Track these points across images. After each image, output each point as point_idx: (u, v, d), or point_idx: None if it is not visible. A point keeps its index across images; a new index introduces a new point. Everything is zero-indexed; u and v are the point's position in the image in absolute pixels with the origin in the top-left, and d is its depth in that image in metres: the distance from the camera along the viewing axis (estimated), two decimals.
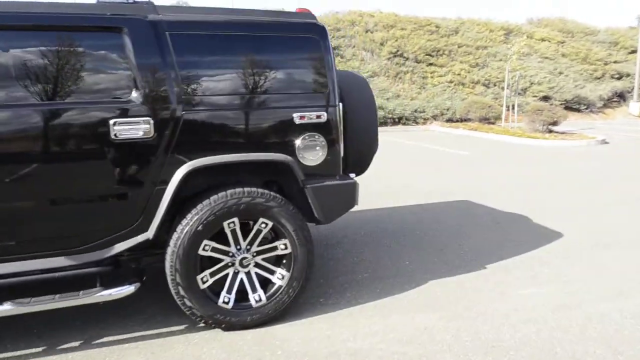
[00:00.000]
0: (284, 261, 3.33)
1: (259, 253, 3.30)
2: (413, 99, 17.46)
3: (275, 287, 3.32)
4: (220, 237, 3.17)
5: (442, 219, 5.81)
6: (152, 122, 2.93)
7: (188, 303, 3.10)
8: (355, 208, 3.65)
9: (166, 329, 3.25)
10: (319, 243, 4.95)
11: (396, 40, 19.34)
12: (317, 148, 3.30)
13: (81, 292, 2.91)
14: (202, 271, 3.14)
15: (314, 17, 3.31)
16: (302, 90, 3.28)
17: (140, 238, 3.03)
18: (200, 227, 3.03)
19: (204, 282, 3.14)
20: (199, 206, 3.05)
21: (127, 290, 3.01)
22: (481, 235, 5.20)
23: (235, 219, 3.14)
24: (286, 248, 3.29)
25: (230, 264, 3.24)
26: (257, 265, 3.31)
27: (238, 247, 3.24)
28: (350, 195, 3.46)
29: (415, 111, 16.84)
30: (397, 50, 19.13)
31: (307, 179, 3.30)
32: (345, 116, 3.86)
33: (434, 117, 16.97)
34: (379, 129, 4.21)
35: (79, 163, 2.87)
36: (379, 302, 3.65)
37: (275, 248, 3.30)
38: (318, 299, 3.70)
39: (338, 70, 4.35)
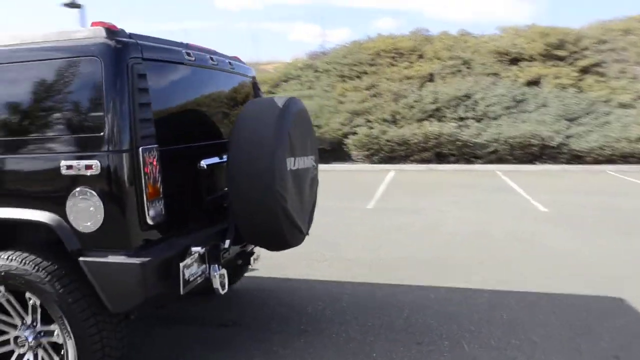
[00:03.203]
0: (62, 352, 2.53)
1: (46, 334, 2.60)
2: None
3: None
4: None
5: (551, 324, 3.66)
6: None
7: None
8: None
9: None
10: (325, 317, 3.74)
11: None
12: (91, 209, 2.39)
13: None
14: None
15: (108, 33, 2.40)
16: (74, 131, 2.44)
17: None
18: None
19: None
20: None
21: None
22: None
23: (2, 288, 2.54)
24: (58, 336, 2.50)
25: (15, 339, 2.64)
26: (45, 348, 2.62)
27: (24, 321, 2.62)
28: (131, 280, 2.37)
29: None
30: None
31: (84, 249, 2.43)
32: (228, 165, 2.79)
33: None
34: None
35: None
36: None
37: (52, 332, 2.54)
38: None
39: (258, 99, 3.23)
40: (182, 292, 2.51)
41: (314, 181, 3.37)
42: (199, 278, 2.68)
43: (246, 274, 4.91)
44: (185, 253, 2.56)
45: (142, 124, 2.42)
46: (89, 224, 2.40)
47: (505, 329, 3.60)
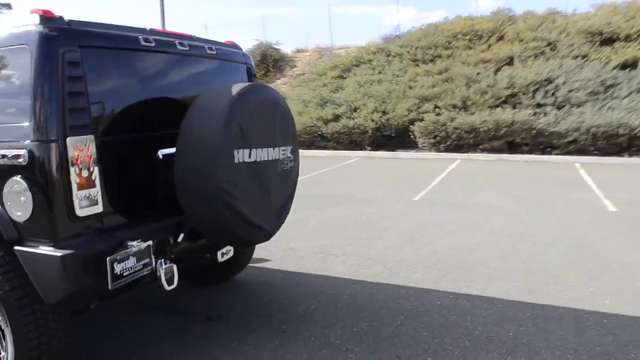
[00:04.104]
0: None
1: None
2: None
3: None
4: None
5: (563, 347, 3.21)
6: None
7: None
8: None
9: None
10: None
11: None
12: (22, 199, 2.38)
13: None
14: None
15: (42, 20, 2.35)
16: (9, 120, 2.44)
17: None
18: None
19: None
20: None
21: None
22: None
23: None
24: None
25: None
26: None
27: None
28: (54, 273, 2.33)
29: None
30: None
31: (20, 238, 2.43)
32: (175, 157, 2.68)
33: None
34: None
35: None
36: None
37: None
38: None
39: (213, 89, 2.99)
40: (110, 287, 2.43)
41: (288, 174, 3.14)
42: (140, 272, 2.59)
43: (256, 265, 4.83)
44: (118, 246, 2.48)
45: (73, 113, 2.36)
46: (19, 213, 2.40)
47: (505, 348, 3.16)
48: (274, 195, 2.99)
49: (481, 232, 5.85)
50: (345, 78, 17.28)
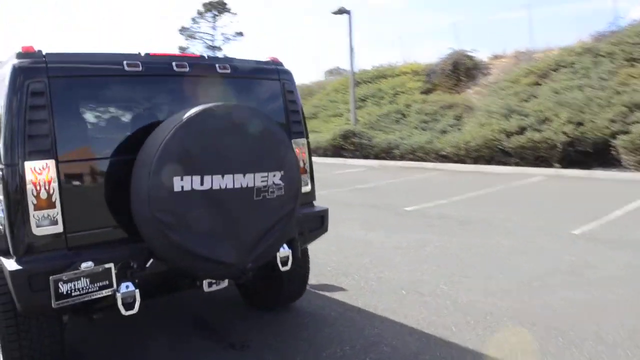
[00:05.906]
0: None
1: None
2: None
3: None
4: None
5: None
6: None
7: None
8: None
9: None
10: None
11: None
12: (0, 215, 2.61)
13: None
14: None
15: (18, 56, 2.57)
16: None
17: None
18: None
19: None
20: None
21: None
22: None
23: None
24: None
25: None
26: None
27: None
28: (8, 286, 2.47)
29: None
30: None
31: (7, 250, 2.67)
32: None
33: None
34: None
35: None
36: None
37: None
38: None
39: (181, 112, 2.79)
40: (53, 305, 2.48)
41: (272, 202, 2.77)
42: (96, 294, 2.59)
43: (325, 293, 4.54)
44: (69, 267, 2.52)
45: (32, 139, 2.50)
46: (0, 227, 2.65)
47: None
48: (246, 226, 2.69)
49: (629, 287, 4.39)
50: (541, 85, 15.24)
